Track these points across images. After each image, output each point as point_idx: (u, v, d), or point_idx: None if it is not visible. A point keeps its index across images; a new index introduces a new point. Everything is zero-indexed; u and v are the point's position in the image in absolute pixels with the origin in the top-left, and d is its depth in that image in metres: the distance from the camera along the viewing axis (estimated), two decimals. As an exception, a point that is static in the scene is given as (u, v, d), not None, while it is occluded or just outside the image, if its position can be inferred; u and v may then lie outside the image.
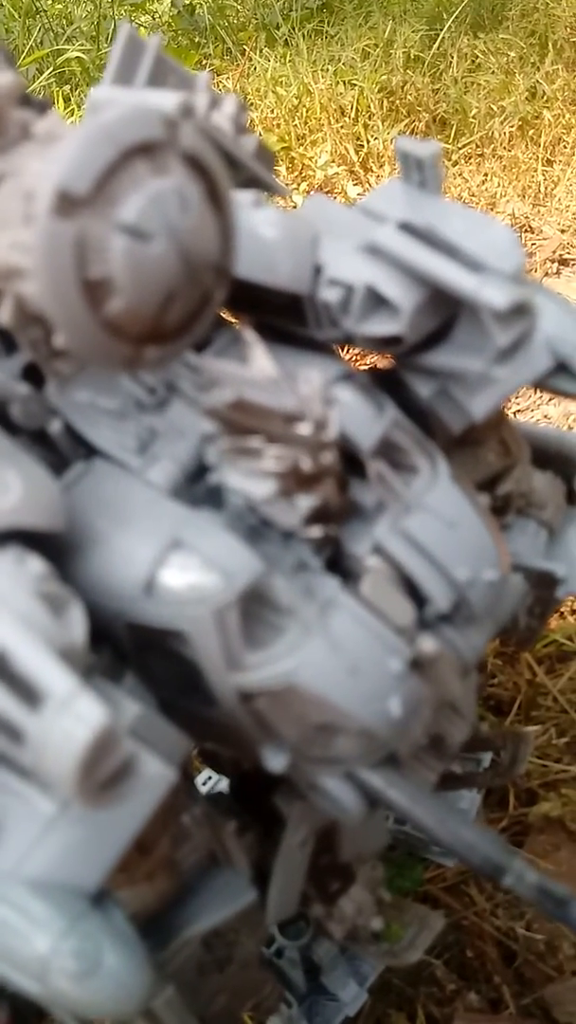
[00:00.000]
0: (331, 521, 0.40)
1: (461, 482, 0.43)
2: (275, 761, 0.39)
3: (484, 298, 0.38)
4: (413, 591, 0.42)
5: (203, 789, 0.75)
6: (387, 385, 0.46)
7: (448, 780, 0.61)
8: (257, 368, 0.37)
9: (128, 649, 0.40)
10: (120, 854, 0.34)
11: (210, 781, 0.77)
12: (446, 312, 0.42)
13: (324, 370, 0.42)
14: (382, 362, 0.53)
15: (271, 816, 0.51)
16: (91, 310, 0.32)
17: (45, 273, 0.31)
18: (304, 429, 0.37)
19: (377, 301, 0.41)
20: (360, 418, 0.41)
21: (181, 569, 0.38)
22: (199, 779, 0.76)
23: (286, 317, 0.45)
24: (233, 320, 0.49)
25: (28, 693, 0.30)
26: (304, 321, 0.45)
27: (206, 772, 0.77)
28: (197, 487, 0.41)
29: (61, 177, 0.30)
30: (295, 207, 1.09)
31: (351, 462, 0.42)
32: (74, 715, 0.29)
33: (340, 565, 0.42)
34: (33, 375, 0.43)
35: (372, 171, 1.65)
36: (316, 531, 0.39)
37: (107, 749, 0.29)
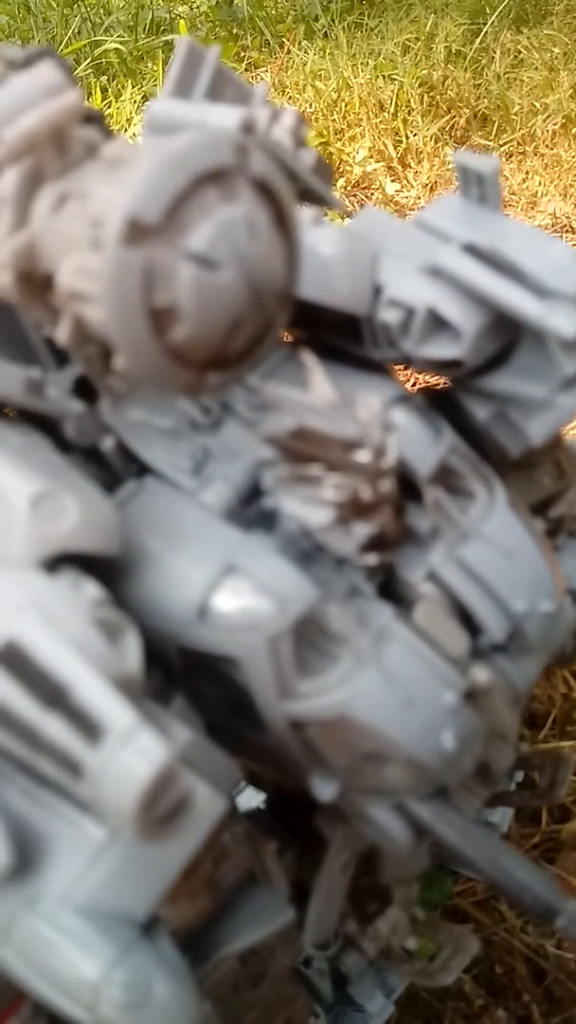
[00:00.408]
0: (387, 548, 0.39)
1: (518, 509, 0.42)
2: (324, 791, 0.39)
3: (551, 326, 0.37)
4: (466, 619, 0.41)
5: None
6: (442, 406, 0.45)
7: (486, 800, 0.61)
8: (317, 393, 0.37)
9: (177, 671, 0.40)
10: (172, 883, 0.34)
11: (241, 787, 0.77)
12: (507, 336, 0.41)
13: (381, 392, 0.41)
14: (435, 380, 0.52)
15: (310, 835, 0.51)
16: (155, 337, 0.31)
17: (111, 300, 0.30)
18: (364, 457, 0.36)
19: (438, 323, 0.41)
20: (417, 443, 0.41)
21: (235, 594, 0.37)
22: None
23: (342, 335, 0.45)
24: (286, 335, 0.48)
25: (88, 726, 0.29)
26: (360, 340, 0.44)
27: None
28: (250, 509, 0.41)
29: (132, 206, 0.29)
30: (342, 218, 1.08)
31: (407, 486, 0.41)
32: (135, 750, 0.29)
33: (392, 591, 0.42)
34: (85, 390, 0.43)
35: (410, 167, 1.63)
36: (372, 558, 0.38)
37: (168, 785, 0.29)
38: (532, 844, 0.81)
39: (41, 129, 0.33)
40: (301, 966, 0.71)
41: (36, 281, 0.35)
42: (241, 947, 0.46)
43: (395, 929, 0.56)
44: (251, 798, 0.68)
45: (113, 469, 0.42)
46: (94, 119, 0.42)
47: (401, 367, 0.46)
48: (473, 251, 0.40)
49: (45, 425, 0.41)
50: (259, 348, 0.34)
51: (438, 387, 0.47)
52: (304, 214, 0.42)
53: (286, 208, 0.33)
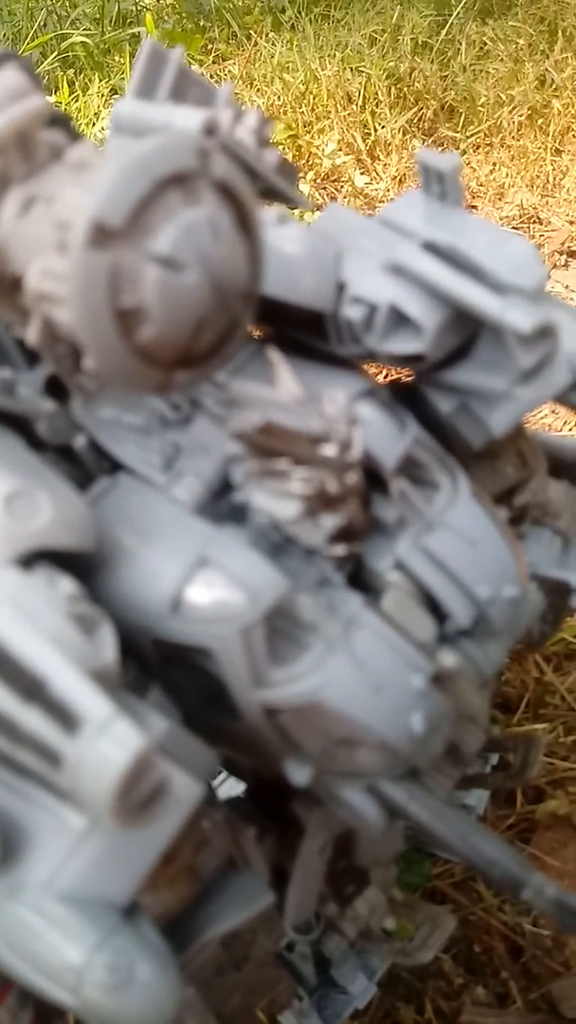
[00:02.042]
0: (354, 539, 0.40)
1: (481, 498, 0.44)
2: (299, 775, 0.40)
3: (508, 321, 0.38)
4: (433, 606, 0.43)
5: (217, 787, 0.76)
6: (407, 399, 0.46)
7: (457, 781, 0.62)
8: (283, 390, 0.38)
9: (153, 662, 0.41)
10: (150, 868, 0.35)
11: (222, 779, 0.78)
12: (468, 330, 0.43)
13: (346, 387, 0.42)
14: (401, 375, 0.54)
15: (288, 820, 0.52)
16: (123, 338, 0.32)
17: (78, 302, 0.31)
18: (330, 451, 0.37)
19: (400, 319, 0.42)
20: (383, 436, 0.42)
21: (208, 587, 0.38)
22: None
23: (307, 332, 0.46)
24: (252, 332, 0.49)
25: (65, 718, 0.30)
26: (326, 336, 0.45)
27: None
28: (221, 504, 0.42)
29: (96, 209, 0.30)
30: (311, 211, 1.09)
31: (372, 478, 0.43)
32: (111, 739, 0.30)
33: (361, 580, 0.43)
34: (56, 389, 0.43)
35: (379, 160, 1.64)
36: (340, 549, 0.40)
37: (144, 773, 0.30)
38: (508, 825, 0.82)
39: (6, 133, 0.34)
40: (284, 951, 0.72)
41: (5, 283, 0.36)
42: (223, 931, 0.47)
43: (373, 910, 0.57)
44: (231, 788, 0.69)
45: (86, 467, 0.43)
46: (59, 121, 0.42)
47: (366, 362, 0.47)
48: (433, 249, 0.41)
49: (17, 424, 0.42)
50: (225, 346, 0.35)
51: (403, 381, 0.48)
52: (268, 214, 0.42)
53: (248, 209, 0.33)
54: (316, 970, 0.74)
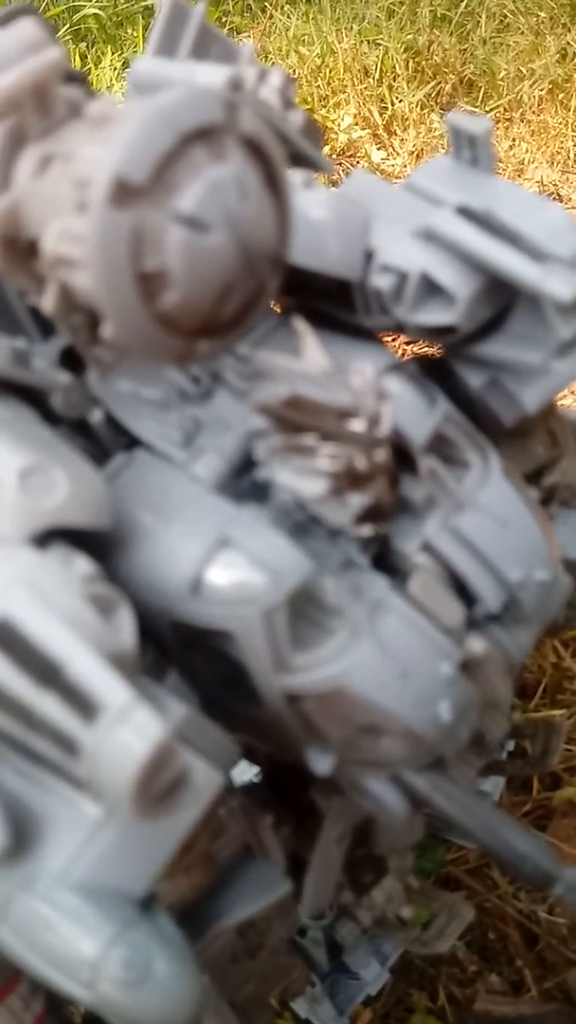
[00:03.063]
0: (381, 519, 0.39)
1: (513, 477, 0.42)
2: (321, 764, 0.38)
3: (548, 290, 0.36)
4: (461, 590, 0.41)
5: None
6: (435, 375, 0.44)
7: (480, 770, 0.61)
8: (310, 361, 0.36)
9: (171, 646, 0.39)
10: (168, 860, 0.34)
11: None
12: (501, 301, 0.41)
13: (374, 360, 0.41)
14: (427, 350, 0.52)
15: (305, 807, 0.51)
16: (145, 303, 0.30)
17: (99, 265, 0.29)
18: (358, 426, 0.36)
19: (431, 289, 0.40)
20: (412, 412, 0.40)
21: (228, 568, 0.37)
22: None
23: (332, 302, 0.44)
24: (274, 304, 0.47)
25: (83, 704, 0.29)
26: (352, 307, 0.43)
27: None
28: (242, 481, 0.40)
29: (118, 165, 0.28)
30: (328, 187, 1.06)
31: (400, 456, 0.41)
32: (131, 728, 0.28)
33: (386, 562, 0.41)
34: (71, 361, 0.42)
35: (396, 135, 1.60)
36: (367, 530, 0.38)
37: (165, 762, 0.28)
38: (524, 812, 0.81)
39: (23, 87, 0.32)
40: (296, 936, 0.71)
41: (19, 248, 0.34)
42: (239, 919, 0.46)
43: (390, 898, 0.56)
44: (243, 772, 0.68)
45: (102, 442, 0.41)
46: (77, 79, 0.40)
47: (391, 337, 0.46)
48: (467, 214, 0.39)
49: (31, 398, 0.40)
50: (250, 314, 0.33)
51: (431, 355, 0.46)
52: (294, 177, 0.40)
53: (277, 167, 0.31)
54: (328, 956, 0.73)
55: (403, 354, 1.05)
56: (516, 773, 0.71)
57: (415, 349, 1.08)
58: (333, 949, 0.73)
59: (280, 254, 0.33)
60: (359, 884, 0.54)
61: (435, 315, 0.40)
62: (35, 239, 0.33)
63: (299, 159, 0.45)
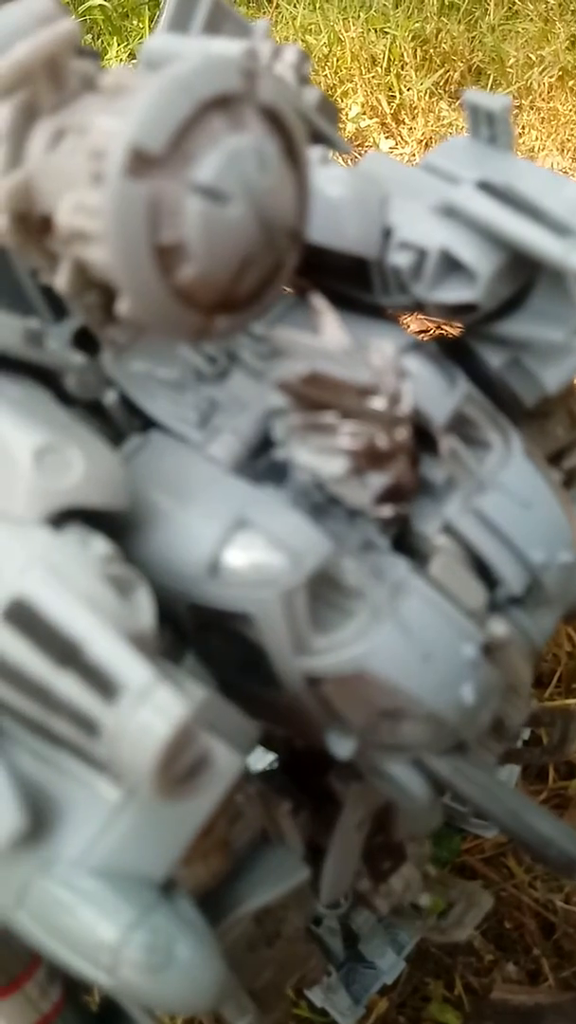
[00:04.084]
0: (402, 499, 0.38)
1: (535, 458, 0.41)
2: (341, 748, 0.38)
3: (573, 264, 0.35)
4: (483, 572, 0.40)
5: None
6: (455, 354, 0.43)
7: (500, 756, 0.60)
8: (329, 338, 0.35)
9: (188, 629, 0.39)
10: (189, 843, 0.33)
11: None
12: (523, 278, 0.40)
13: (393, 339, 0.40)
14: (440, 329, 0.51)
15: (323, 794, 0.50)
16: (162, 277, 0.30)
17: (115, 238, 0.29)
18: (379, 403, 0.35)
19: (451, 266, 0.39)
20: (432, 391, 0.39)
21: (247, 549, 0.36)
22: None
23: (349, 282, 0.43)
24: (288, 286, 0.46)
25: (103, 684, 0.28)
26: (368, 286, 0.42)
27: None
28: (259, 462, 0.39)
29: (134, 134, 0.27)
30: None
31: (420, 436, 0.40)
32: (153, 707, 0.28)
33: (407, 543, 0.40)
34: (85, 342, 0.41)
35: (404, 123, 1.59)
36: (387, 510, 0.37)
37: (187, 743, 0.28)
38: (540, 801, 0.81)
39: (35, 59, 0.31)
40: (312, 925, 0.71)
41: (33, 224, 0.34)
42: (256, 906, 0.46)
43: (408, 886, 0.56)
44: (259, 759, 0.68)
45: (116, 424, 0.41)
46: (89, 55, 0.40)
47: (408, 316, 0.45)
48: (488, 189, 0.38)
49: (44, 379, 0.40)
50: (269, 290, 0.33)
51: (450, 335, 0.46)
52: (311, 153, 0.40)
53: (297, 138, 0.31)
54: (344, 944, 0.73)
55: (428, 331, 1.04)
56: (532, 761, 0.70)
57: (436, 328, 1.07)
58: (349, 938, 0.72)
59: (299, 228, 0.33)
60: (377, 871, 0.54)
61: (455, 292, 0.39)
62: (49, 214, 0.32)
63: (315, 137, 0.45)
